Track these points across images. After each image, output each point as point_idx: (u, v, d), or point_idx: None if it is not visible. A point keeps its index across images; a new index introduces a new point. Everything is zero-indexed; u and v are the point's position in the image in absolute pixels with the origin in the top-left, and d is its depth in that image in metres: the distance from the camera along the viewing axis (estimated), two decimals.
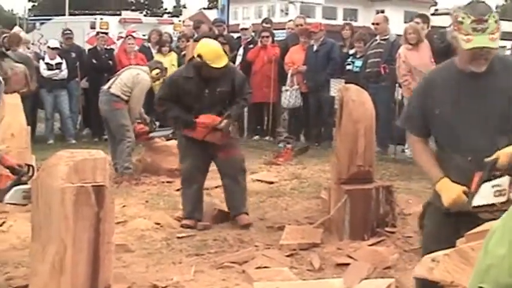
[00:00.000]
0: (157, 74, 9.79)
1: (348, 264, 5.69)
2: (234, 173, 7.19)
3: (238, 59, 13.63)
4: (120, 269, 5.49)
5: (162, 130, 10.59)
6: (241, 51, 13.73)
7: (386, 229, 6.44)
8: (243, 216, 7.09)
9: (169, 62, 13.32)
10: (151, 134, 10.01)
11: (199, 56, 7.01)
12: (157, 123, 10.62)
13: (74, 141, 13.21)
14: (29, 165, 4.97)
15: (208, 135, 7.05)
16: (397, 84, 10.92)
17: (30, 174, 4.86)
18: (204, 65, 6.98)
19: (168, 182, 9.18)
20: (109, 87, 9.45)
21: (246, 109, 14.14)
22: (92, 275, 3.89)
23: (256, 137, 13.53)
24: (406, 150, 10.83)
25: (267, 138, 13.23)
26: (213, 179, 9.17)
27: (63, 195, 3.77)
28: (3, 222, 6.84)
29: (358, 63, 11.79)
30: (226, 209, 7.33)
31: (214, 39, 8.23)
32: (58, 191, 3.79)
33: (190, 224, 6.99)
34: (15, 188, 4.79)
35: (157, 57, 13.62)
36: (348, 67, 12.03)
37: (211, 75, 7.03)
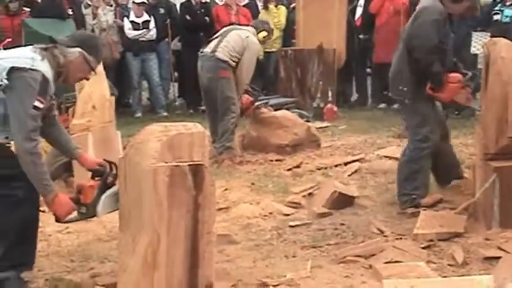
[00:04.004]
0: (264, 37, 9.75)
1: (498, 257, 5.57)
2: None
3: (359, 10, 13.50)
4: (223, 264, 5.55)
5: (270, 98, 10.56)
6: (362, 1, 13.57)
7: None
8: None
9: (277, 19, 13.31)
10: (257, 103, 9.99)
11: None
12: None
13: (165, 114, 13.43)
14: (110, 162, 5.05)
15: (459, 94, 7.02)
16: None
17: (114, 172, 4.94)
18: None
19: (277, 160, 9.20)
20: (213, 51, 9.42)
21: (369, 72, 14.11)
22: (191, 270, 3.94)
23: (383, 105, 13.42)
24: None
25: (395, 106, 13.06)
26: (332, 155, 9.15)
27: (155, 176, 3.82)
28: None
29: (509, 12, 11.48)
30: (348, 193, 7.30)
31: None
32: (149, 172, 3.83)
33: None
34: (104, 195, 4.87)
35: (263, 14, 13.64)
36: (496, 17, 11.73)
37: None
